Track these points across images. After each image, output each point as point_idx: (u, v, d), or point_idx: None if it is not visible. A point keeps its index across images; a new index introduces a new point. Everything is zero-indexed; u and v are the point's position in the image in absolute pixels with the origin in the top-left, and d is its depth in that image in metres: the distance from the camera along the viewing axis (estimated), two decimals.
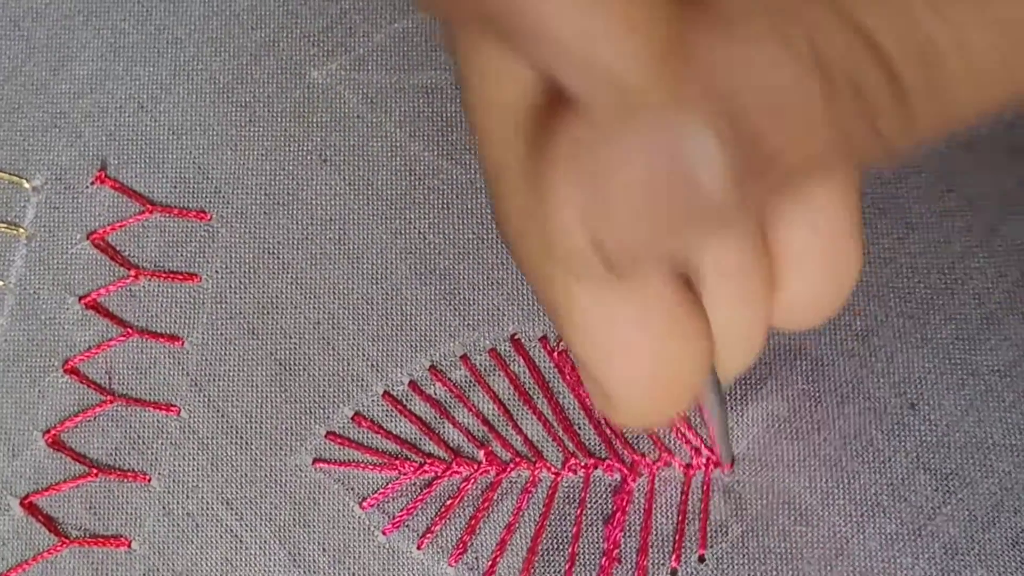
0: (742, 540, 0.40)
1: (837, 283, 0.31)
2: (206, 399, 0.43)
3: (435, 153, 0.45)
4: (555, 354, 0.42)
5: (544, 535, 0.41)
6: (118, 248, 0.45)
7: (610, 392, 0.27)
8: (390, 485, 0.41)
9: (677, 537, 0.40)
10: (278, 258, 0.44)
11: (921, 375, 0.41)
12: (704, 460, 0.41)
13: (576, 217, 0.22)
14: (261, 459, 0.42)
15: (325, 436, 0.42)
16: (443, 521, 0.41)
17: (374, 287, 0.44)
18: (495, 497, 0.41)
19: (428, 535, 0.41)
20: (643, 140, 0.21)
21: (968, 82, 0.22)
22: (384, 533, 0.41)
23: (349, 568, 0.41)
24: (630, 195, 0.22)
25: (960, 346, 0.42)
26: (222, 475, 0.42)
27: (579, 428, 0.42)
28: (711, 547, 0.40)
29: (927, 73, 0.21)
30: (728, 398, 0.41)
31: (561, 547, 0.41)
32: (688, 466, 0.41)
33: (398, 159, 0.45)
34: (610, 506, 0.41)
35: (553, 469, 0.41)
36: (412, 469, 0.42)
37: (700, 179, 0.21)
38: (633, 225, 0.22)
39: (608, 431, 0.42)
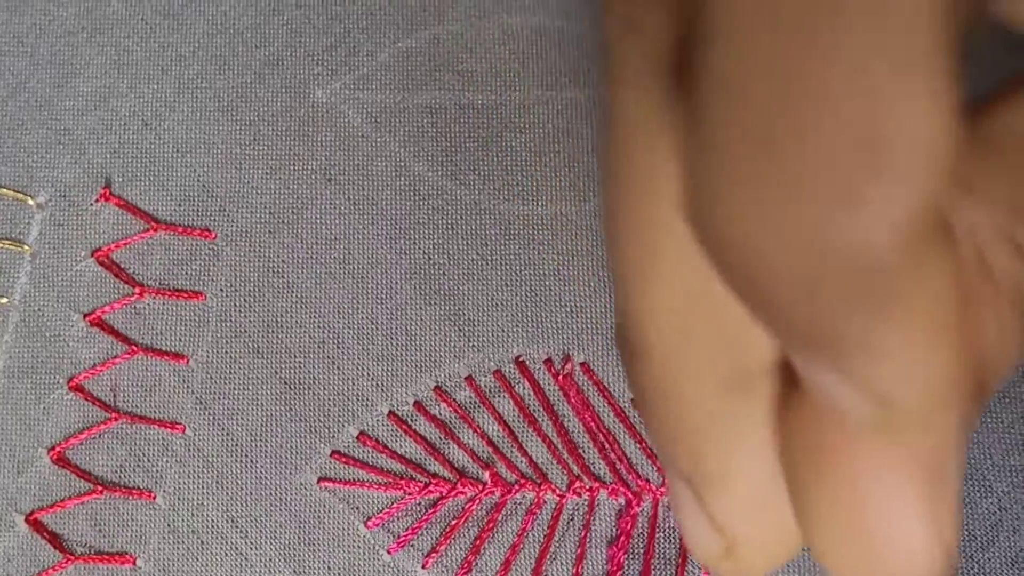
0: None
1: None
2: (211, 417, 0.43)
3: (439, 173, 0.45)
4: (560, 377, 0.43)
5: (548, 556, 0.41)
6: (122, 266, 0.45)
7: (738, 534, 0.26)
8: (395, 505, 0.42)
9: (680, 561, 0.41)
10: (282, 277, 0.44)
11: None
12: None
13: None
14: (266, 477, 0.42)
15: (330, 455, 0.42)
16: (448, 541, 0.41)
17: (379, 307, 0.44)
18: (500, 518, 0.41)
19: (433, 555, 0.41)
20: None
21: None
22: (389, 552, 0.41)
23: None
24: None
25: None
26: (227, 493, 0.42)
27: (583, 451, 0.42)
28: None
29: None
30: None
31: (565, 569, 0.41)
32: None
33: (402, 179, 0.45)
34: (614, 529, 0.41)
35: (558, 491, 0.42)
36: (417, 489, 0.42)
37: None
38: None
39: (613, 455, 0.42)
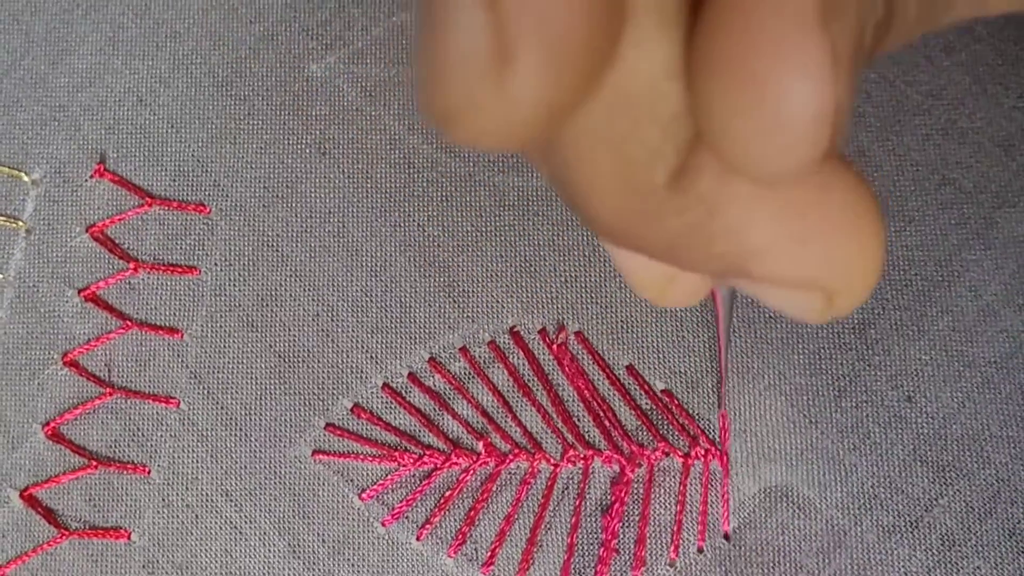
0: (740, 532, 0.40)
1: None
2: (206, 391, 0.43)
3: (434, 146, 0.45)
4: (554, 346, 0.43)
5: (543, 526, 0.41)
6: (117, 241, 0.45)
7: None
8: (389, 476, 0.42)
9: (675, 528, 0.41)
10: (277, 251, 0.44)
11: (918, 368, 0.42)
12: (703, 451, 0.41)
13: None
14: (260, 451, 0.42)
15: (324, 428, 0.42)
16: (442, 512, 0.41)
17: (373, 279, 0.44)
18: (494, 488, 0.41)
19: (427, 526, 0.41)
20: None
21: None
22: (383, 524, 0.41)
23: (348, 559, 0.41)
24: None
25: (957, 338, 0.42)
26: (221, 467, 0.42)
27: (578, 420, 0.42)
28: (709, 539, 0.41)
29: None
30: (727, 392, 0.42)
31: (560, 538, 0.41)
32: (687, 456, 0.41)
33: (397, 152, 0.45)
34: (609, 497, 0.41)
35: (552, 460, 0.41)
36: (411, 460, 0.42)
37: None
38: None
39: (607, 423, 0.42)
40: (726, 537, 0.40)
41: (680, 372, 0.42)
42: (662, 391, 0.42)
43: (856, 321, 0.42)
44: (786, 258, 0.23)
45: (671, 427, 0.42)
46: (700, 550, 0.40)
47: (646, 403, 0.42)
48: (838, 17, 0.19)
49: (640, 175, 0.22)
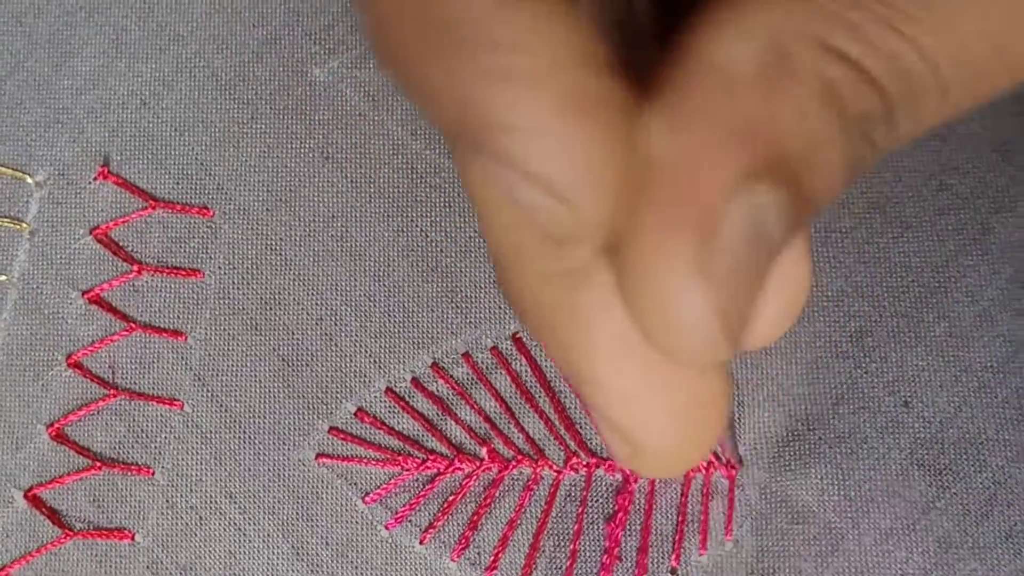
0: (740, 539, 0.41)
1: (796, 303, 0.32)
2: (209, 394, 0.43)
3: (436, 151, 0.45)
4: None
5: (546, 532, 0.41)
6: (121, 243, 0.45)
7: (639, 441, 0.27)
8: (393, 481, 0.42)
9: (677, 537, 0.41)
10: (280, 255, 0.44)
11: (915, 373, 0.42)
12: (704, 463, 0.41)
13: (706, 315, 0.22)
14: (264, 454, 0.42)
15: (328, 431, 0.42)
16: (446, 517, 0.41)
17: (376, 284, 0.44)
18: (497, 494, 0.42)
19: (431, 530, 0.41)
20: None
21: (949, 86, 0.23)
22: (387, 528, 0.41)
23: (352, 562, 0.41)
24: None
25: (954, 343, 0.42)
26: (225, 469, 0.42)
27: (581, 427, 0.42)
28: (710, 547, 0.41)
29: (906, 84, 0.22)
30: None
31: (563, 544, 0.41)
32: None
33: (399, 157, 0.45)
34: (612, 505, 0.41)
35: (555, 467, 0.42)
36: (415, 465, 0.42)
37: (771, 233, 0.22)
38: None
39: None
40: (729, 542, 0.41)
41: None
42: None
43: (854, 329, 0.42)
44: (616, 402, 0.25)
45: None
46: (701, 557, 0.41)
47: None
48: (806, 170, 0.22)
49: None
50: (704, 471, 0.41)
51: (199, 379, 0.43)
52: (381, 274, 0.44)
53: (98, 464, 0.43)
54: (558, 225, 0.22)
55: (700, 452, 0.27)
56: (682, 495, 0.41)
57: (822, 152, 0.22)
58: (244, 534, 0.42)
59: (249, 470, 0.42)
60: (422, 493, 0.42)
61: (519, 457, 0.42)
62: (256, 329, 0.44)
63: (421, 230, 0.44)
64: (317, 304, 0.44)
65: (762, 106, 0.21)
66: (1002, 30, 0.22)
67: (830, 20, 0.21)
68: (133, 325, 0.44)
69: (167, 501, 0.42)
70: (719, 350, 0.22)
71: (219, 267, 0.44)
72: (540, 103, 0.21)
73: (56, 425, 0.43)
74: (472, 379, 0.43)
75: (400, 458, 0.42)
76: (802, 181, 0.22)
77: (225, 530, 0.42)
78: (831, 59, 0.21)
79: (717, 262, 0.21)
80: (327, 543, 0.41)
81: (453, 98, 0.21)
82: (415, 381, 0.43)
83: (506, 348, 0.43)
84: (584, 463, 0.42)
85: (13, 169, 0.46)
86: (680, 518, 0.41)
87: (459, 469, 0.42)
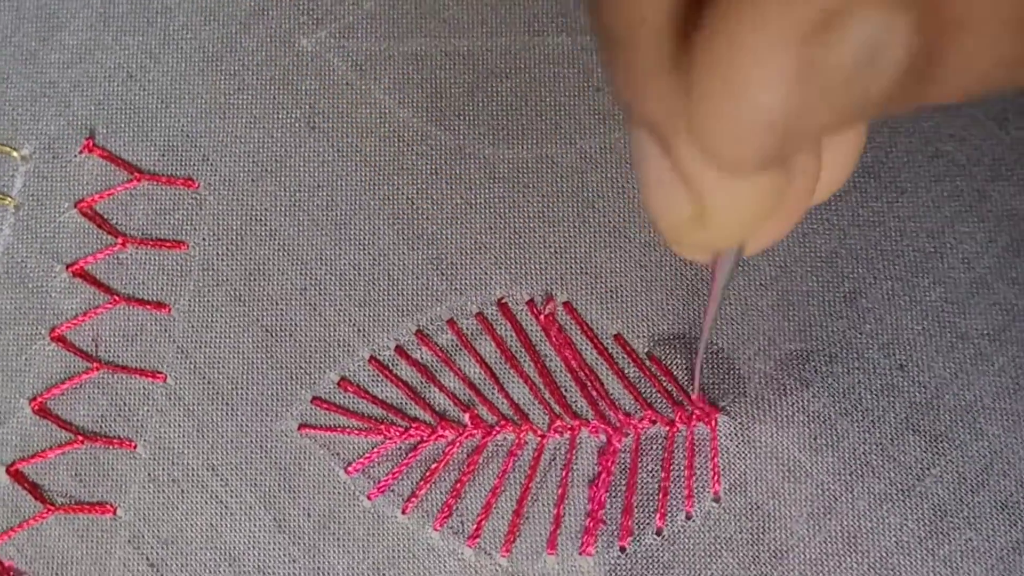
0: (728, 496, 0.40)
1: (853, 155, 0.31)
2: (192, 366, 0.43)
3: (423, 120, 0.45)
4: (541, 317, 0.42)
5: (529, 498, 0.41)
6: (106, 216, 0.44)
7: (710, 196, 0.26)
8: (375, 450, 0.41)
9: (661, 496, 0.40)
10: (265, 225, 0.44)
11: (911, 337, 0.41)
12: (688, 415, 0.41)
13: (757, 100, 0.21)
14: (247, 425, 0.42)
15: (311, 401, 0.42)
16: (428, 485, 0.41)
17: (361, 253, 0.43)
18: (480, 461, 0.41)
19: (413, 499, 0.41)
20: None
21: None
22: (369, 498, 0.41)
23: (334, 533, 0.41)
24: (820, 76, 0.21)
25: (950, 309, 0.41)
26: (208, 441, 0.42)
27: (565, 390, 0.42)
28: (697, 504, 0.40)
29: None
30: (716, 354, 0.41)
31: (546, 509, 0.40)
32: (671, 423, 0.41)
33: (386, 126, 0.45)
34: (595, 467, 0.41)
35: (539, 431, 0.41)
36: (397, 434, 0.41)
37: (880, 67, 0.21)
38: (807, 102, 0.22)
39: (594, 393, 0.41)
40: (716, 499, 0.40)
41: (667, 338, 0.42)
42: (648, 355, 0.42)
43: (847, 290, 0.42)
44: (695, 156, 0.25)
45: (657, 394, 0.41)
46: (688, 516, 0.40)
47: (633, 372, 0.42)
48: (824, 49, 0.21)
49: None
50: (687, 423, 0.41)
51: (182, 351, 0.43)
52: (366, 243, 0.43)
53: (80, 438, 0.42)
54: None
55: (748, 227, 0.27)
56: (666, 451, 0.41)
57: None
58: (226, 506, 0.41)
59: (231, 442, 0.42)
60: (405, 462, 0.41)
61: (503, 423, 0.41)
62: (240, 300, 0.43)
63: (407, 198, 0.44)
64: (301, 274, 0.43)
65: None
66: None
67: None
68: (117, 298, 0.43)
69: (149, 475, 0.42)
70: (756, 163, 0.22)
71: (203, 239, 0.44)
72: None
73: (39, 399, 0.43)
74: (457, 346, 0.42)
75: (383, 427, 0.41)
76: (944, 31, 0.21)
77: (207, 503, 0.41)
78: None
79: (817, 71, 0.21)
80: (309, 514, 0.41)
81: None
82: (399, 349, 0.42)
83: (491, 314, 0.42)
84: (568, 425, 0.41)
85: None
86: (664, 475, 0.40)
87: (442, 436, 0.41)
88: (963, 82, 0.22)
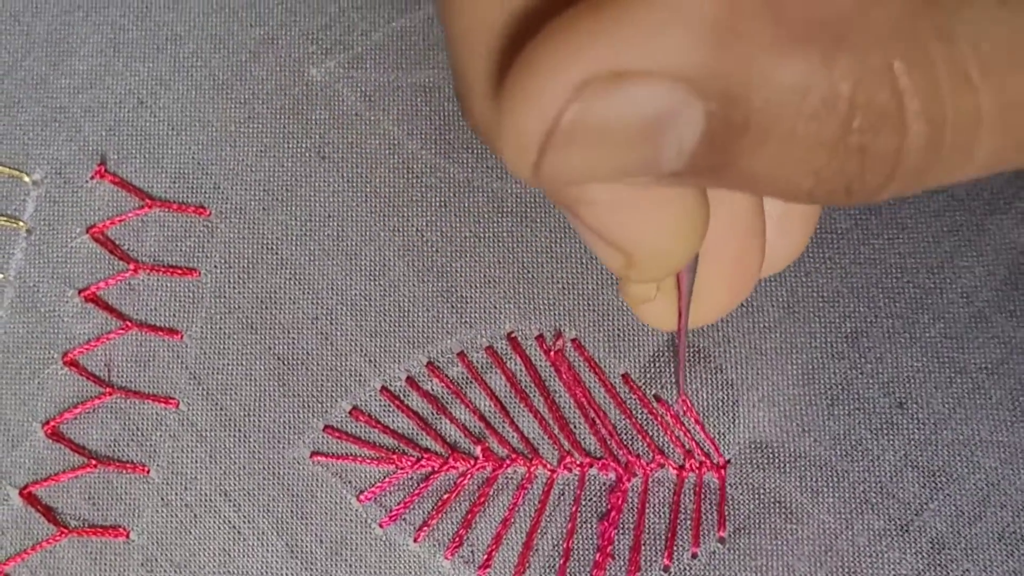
0: (733, 538, 0.41)
1: (744, 278, 0.33)
2: (205, 392, 0.43)
3: (432, 151, 0.45)
4: (551, 353, 0.43)
5: (539, 530, 0.41)
6: (117, 242, 0.45)
7: (631, 246, 0.28)
8: (387, 479, 0.42)
9: (669, 536, 0.41)
10: (276, 254, 0.44)
11: (910, 374, 0.42)
12: (697, 463, 0.41)
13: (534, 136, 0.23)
14: (259, 452, 0.42)
15: (323, 430, 0.43)
16: (440, 515, 0.41)
17: (372, 284, 0.44)
18: (491, 492, 0.42)
19: (424, 528, 0.41)
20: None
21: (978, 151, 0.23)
22: (381, 526, 0.41)
23: (346, 560, 0.41)
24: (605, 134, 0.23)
25: (949, 344, 0.42)
26: (220, 467, 0.42)
27: (575, 427, 0.42)
28: (703, 545, 0.41)
29: (937, 134, 0.22)
30: (722, 401, 0.42)
31: (556, 542, 0.41)
32: (681, 468, 0.42)
33: (396, 157, 0.45)
34: (605, 504, 0.41)
35: (549, 466, 0.42)
36: (409, 463, 0.42)
37: (672, 143, 0.22)
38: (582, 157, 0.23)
39: (603, 431, 0.42)
40: (720, 541, 0.41)
41: (675, 382, 0.42)
42: (655, 398, 0.42)
43: (849, 329, 0.42)
44: (608, 216, 0.27)
45: (666, 438, 0.42)
46: (694, 556, 0.41)
47: (641, 412, 0.42)
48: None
49: None
50: (696, 471, 0.41)
51: (195, 377, 0.43)
52: (377, 273, 0.44)
53: (93, 462, 0.43)
54: None
55: (682, 255, 0.29)
56: (675, 494, 0.41)
57: (803, 131, 0.22)
58: (239, 532, 0.42)
59: (244, 468, 0.42)
60: (416, 491, 0.42)
61: (513, 456, 0.42)
62: (252, 328, 0.44)
63: (417, 230, 0.44)
64: (313, 303, 0.44)
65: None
66: None
67: (905, 40, 0.21)
68: (129, 323, 0.44)
69: (162, 499, 0.42)
70: (543, 181, 0.24)
71: (215, 266, 0.44)
72: None
73: (52, 423, 0.43)
74: (467, 378, 0.43)
75: (395, 456, 0.42)
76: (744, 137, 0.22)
77: (220, 528, 0.42)
78: (882, 82, 0.21)
79: (593, 118, 0.22)
80: (321, 541, 0.41)
81: None
82: (410, 380, 0.43)
83: (501, 348, 0.43)
84: (578, 463, 0.42)
85: (10, 168, 0.46)
86: (673, 517, 0.41)
87: (453, 468, 0.42)
88: (775, 186, 0.24)
